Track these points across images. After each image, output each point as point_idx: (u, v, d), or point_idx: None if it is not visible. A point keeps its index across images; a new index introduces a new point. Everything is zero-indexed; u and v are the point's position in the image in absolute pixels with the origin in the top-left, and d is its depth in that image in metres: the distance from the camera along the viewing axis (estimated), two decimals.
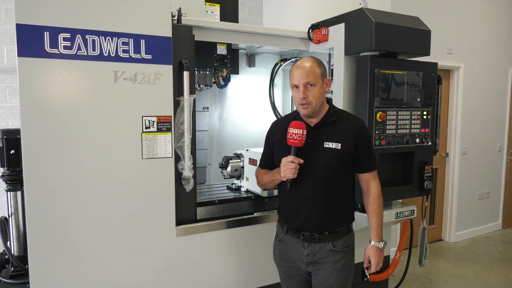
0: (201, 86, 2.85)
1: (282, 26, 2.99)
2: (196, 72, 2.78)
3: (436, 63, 2.66)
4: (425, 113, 2.64)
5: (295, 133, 1.82)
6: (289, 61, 3.17)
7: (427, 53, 2.55)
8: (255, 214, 2.45)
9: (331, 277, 1.89)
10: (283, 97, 3.61)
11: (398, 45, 2.42)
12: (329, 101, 2.00)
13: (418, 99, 2.60)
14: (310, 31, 2.73)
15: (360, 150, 1.89)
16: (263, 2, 6.14)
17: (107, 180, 1.96)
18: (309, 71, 1.83)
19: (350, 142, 1.86)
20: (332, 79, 2.57)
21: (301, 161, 1.82)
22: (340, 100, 2.48)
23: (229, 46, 2.76)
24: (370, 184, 1.96)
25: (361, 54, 2.45)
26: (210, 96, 3.27)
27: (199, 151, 3.23)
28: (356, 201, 2.10)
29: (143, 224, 2.06)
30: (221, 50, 2.76)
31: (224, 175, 2.85)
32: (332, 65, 2.62)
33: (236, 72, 3.24)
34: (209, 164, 3.33)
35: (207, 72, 2.85)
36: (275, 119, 3.36)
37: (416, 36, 2.48)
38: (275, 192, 2.64)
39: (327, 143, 1.87)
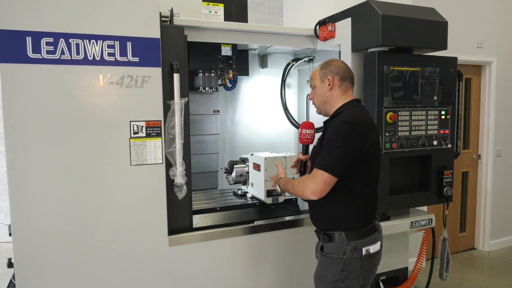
0: (206, 89, 2.76)
1: (301, 25, 2.84)
2: (201, 74, 2.69)
3: (456, 58, 2.44)
4: (443, 112, 2.42)
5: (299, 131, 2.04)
6: (301, 60, 3.02)
7: (443, 46, 2.33)
8: (255, 223, 2.32)
9: (314, 277, 1.88)
10: (298, 98, 3.45)
11: (409, 39, 2.22)
12: (347, 103, 1.86)
13: (435, 98, 2.39)
14: (317, 27, 2.57)
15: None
16: (283, 2, 6.03)
17: (95, 187, 1.90)
18: (312, 74, 1.94)
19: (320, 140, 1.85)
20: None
21: (300, 157, 1.99)
22: None
23: (234, 46, 2.64)
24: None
25: (369, 51, 2.27)
26: (222, 99, 3.17)
27: (210, 155, 3.15)
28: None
29: (133, 233, 1.98)
30: (226, 51, 2.65)
31: (229, 181, 2.74)
32: None
33: (245, 73, 3.12)
34: (221, 169, 3.22)
35: (212, 74, 2.75)
36: (288, 121, 3.25)
37: (430, 28, 2.27)
38: (281, 199, 2.50)
39: (317, 142, 1.91)
